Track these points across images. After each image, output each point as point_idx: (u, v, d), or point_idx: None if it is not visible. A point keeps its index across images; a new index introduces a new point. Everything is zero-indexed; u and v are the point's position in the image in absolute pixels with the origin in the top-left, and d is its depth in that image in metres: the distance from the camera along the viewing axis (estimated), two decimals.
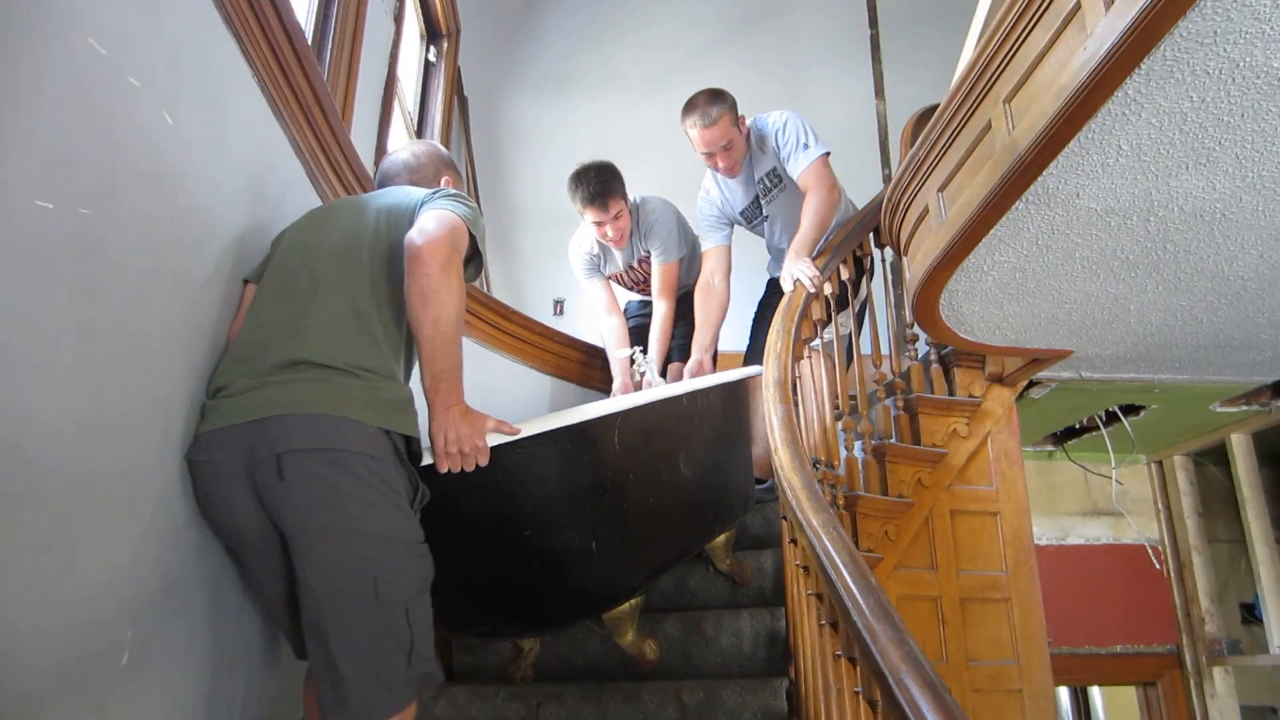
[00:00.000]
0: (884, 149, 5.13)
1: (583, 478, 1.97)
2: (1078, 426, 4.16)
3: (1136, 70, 1.56)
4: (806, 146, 3.17)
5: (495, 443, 1.69)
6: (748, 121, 3.33)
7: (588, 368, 4.09)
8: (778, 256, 3.57)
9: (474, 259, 1.75)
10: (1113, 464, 4.15)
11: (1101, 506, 4.62)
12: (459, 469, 1.65)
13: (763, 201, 3.40)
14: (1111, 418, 3.99)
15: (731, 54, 5.85)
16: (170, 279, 1.50)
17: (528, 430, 1.78)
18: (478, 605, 2.06)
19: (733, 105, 3.22)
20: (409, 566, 1.55)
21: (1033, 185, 1.93)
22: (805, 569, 1.97)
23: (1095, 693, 6.95)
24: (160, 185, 1.46)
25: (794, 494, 1.96)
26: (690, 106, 3.22)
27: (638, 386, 3.36)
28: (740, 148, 3.26)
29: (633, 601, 2.24)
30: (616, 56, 5.89)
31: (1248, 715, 4.29)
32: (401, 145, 2.12)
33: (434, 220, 1.63)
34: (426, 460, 1.67)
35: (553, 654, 2.78)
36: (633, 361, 3.00)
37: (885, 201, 2.58)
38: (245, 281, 1.82)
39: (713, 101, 3.18)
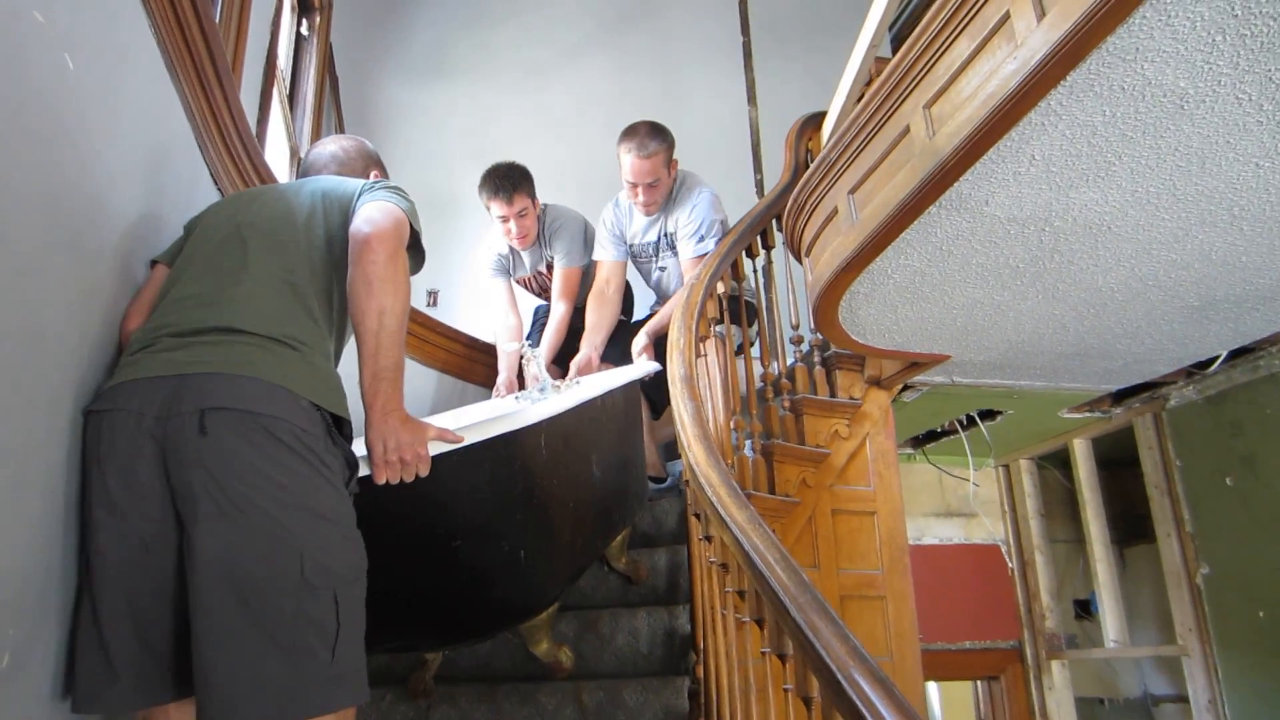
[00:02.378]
0: (756, 154, 5.23)
1: (515, 484, 1.90)
2: (939, 430, 4.35)
3: (1063, 82, 1.63)
4: (702, 238, 3.28)
5: (437, 451, 1.58)
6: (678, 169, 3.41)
7: (470, 361, 3.99)
8: (662, 299, 3.64)
9: (415, 254, 1.68)
10: (971, 467, 4.37)
11: (954, 508, 4.86)
12: (398, 480, 1.54)
13: (661, 251, 3.49)
14: (969, 422, 4.19)
15: (607, 52, 5.83)
16: (66, 241, 1.33)
17: (469, 435, 1.69)
18: (395, 619, 1.94)
19: (671, 146, 3.27)
20: (341, 550, 1.42)
21: (948, 191, 1.99)
22: (724, 566, 1.95)
23: (932, 688, 7.32)
24: (59, 135, 1.30)
25: (713, 490, 1.94)
26: (630, 133, 3.24)
27: (522, 383, 3.34)
28: (664, 190, 3.33)
29: (550, 609, 2.20)
30: (492, 47, 5.76)
31: (1080, 706, 4.60)
32: (327, 139, 2.05)
33: (379, 211, 1.57)
34: (361, 470, 1.54)
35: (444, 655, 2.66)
36: (522, 357, 2.96)
37: (790, 202, 2.60)
38: (154, 262, 1.68)
39: (654, 135, 3.22)
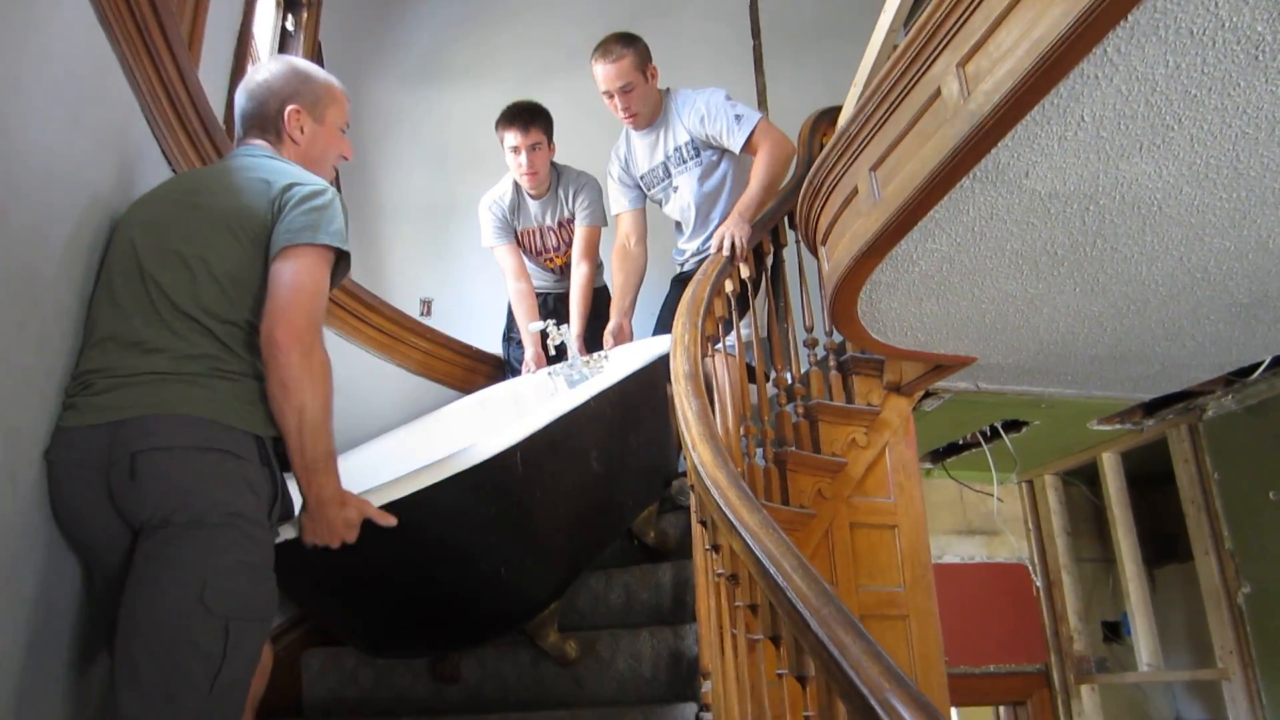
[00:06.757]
0: None
1: (484, 510, 1.92)
2: (960, 443, 4.13)
3: (1123, 22, 1.43)
4: (739, 118, 3.17)
5: (382, 502, 1.70)
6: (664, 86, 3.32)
7: (458, 368, 3.79)
8: (677, 228, 3.51)
9: (342, 265, 1.68)
10: (995, 481, 4.14)
11: (976, 525, 4.62)
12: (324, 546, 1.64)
13: (672, 170, 3.34)
14: (993, 434, 3.97)
15: None
16: None
17: (421, 478, 1.78)
18: (392, 631, 2.05)
19: (642, 51, 3.19)
20: (248, 584, 1.47)
21: (983, 160, 1.78)
22: (734, 578, 1.73)
23: (952, 714, 7.04)
24: None
25: (720, 493, 1.73)
26: (599, 45, 3.20)
27: (551, 358, 3.25)
28: (643, 95, 3.22)
29: (552, 606, 2.16)
30: (492, 49, 5.59)
31: None
32: (257, 70, 1.86)
33: (288, 291, 1.54)
34: (292, 533, 1.64)
35: (424, 682, 2.45)
36: (546, 335, 2.92)
37: (805, 185, 2.41)
38: None
39: (620, 41, 3.18)
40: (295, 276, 1.55)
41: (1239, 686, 3.64)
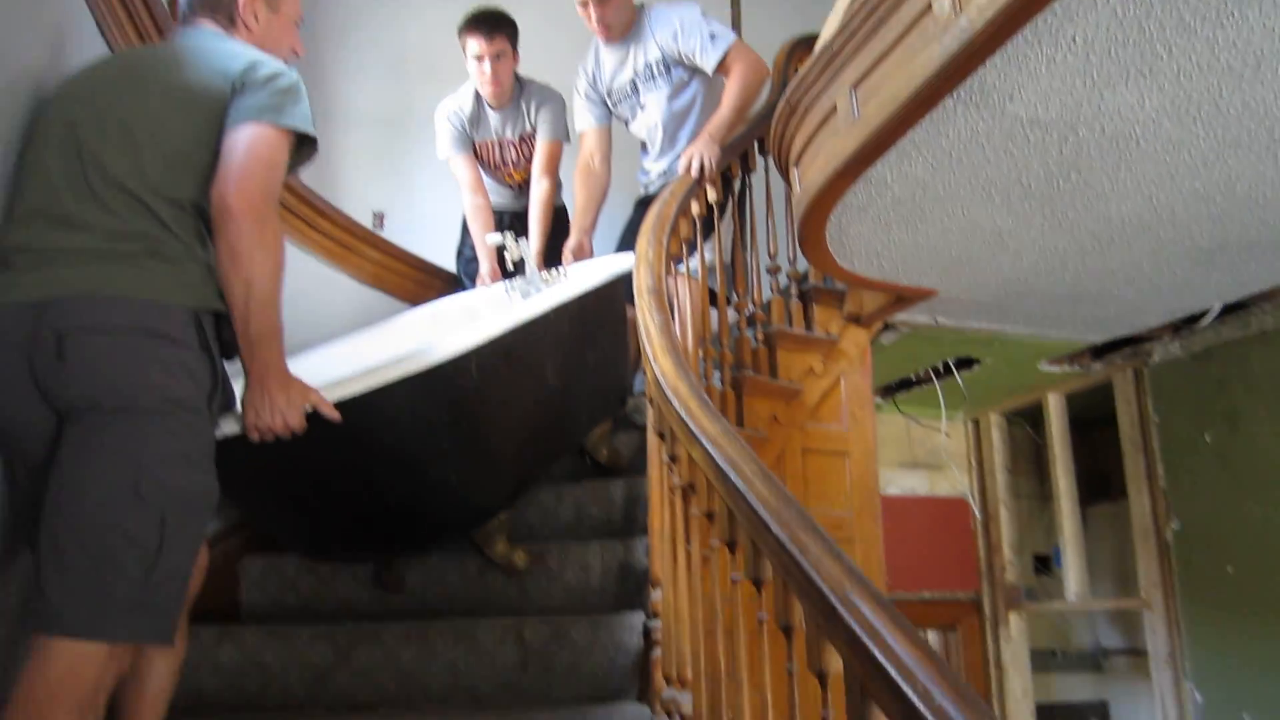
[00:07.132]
0: None
1: (435, 415, 1.87)
2: (913, 379, 4.17)
3: None
4: (714, 37, 3.07)
5: (333, 399, 1.60)
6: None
7: (410, 281, 3.70)
8: (643, 148, 3.41)
9: (307, 144, 1.58)
10: (943, 418, 4.20)
11: (921, 459, 4.70)
12: (271, 439, 1.53)
13: (640, 86, 3.24)
14: (945, 371, 4.01)
15: None
16: None
17: (374, 378, 1.71)
18: (336, 535, 2.00)
19: None
20: (184, 472, 1.40)
21: (969, 79, 1.74)
22: (690, 488, 1.72)
23: None
24: None
25: (681, 402, 1.71)
26: None
27: (507, 274, 3.15)
28: (618, 7, 3.12)
29: (500, 516, 2.12)
30: None
31: (1034, 657, 4.54)
32: None
33: (245, 158, 1.44)
34: (234, 428, 1.54)
35: (367, 589, 2.43)
36: (503, 249, 2.80)
37: (781, 103, 2.35)
38: None
39: None
40: (252, 145, 1.45)
41: (1159, 616, 3.82)
